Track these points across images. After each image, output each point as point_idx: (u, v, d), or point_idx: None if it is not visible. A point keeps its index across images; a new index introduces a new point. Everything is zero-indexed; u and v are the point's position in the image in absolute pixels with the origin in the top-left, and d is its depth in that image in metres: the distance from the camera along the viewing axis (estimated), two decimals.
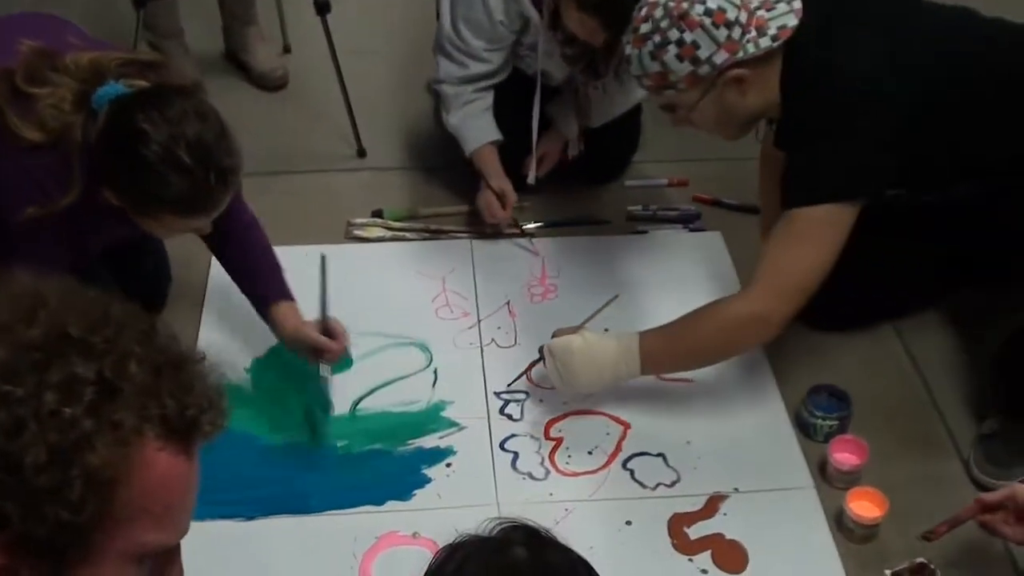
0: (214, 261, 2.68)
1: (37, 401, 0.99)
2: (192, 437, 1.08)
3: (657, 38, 2.26)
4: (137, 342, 1.06)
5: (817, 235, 2.25)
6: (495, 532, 1.22)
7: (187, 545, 2.24)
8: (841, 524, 2.29)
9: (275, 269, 2.52)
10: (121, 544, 1.05)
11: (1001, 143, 2.35)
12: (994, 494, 2.08)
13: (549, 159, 3.09)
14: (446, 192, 3.19)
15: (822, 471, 2.40)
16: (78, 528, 1.01)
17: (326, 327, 2.46)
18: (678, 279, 2.87)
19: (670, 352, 2.38)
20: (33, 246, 2.13)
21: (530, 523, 1.25)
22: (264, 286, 2.51)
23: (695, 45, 2.24)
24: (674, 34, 2.24)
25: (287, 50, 3.79)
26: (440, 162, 3.26)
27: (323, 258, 2.56)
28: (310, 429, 2.48)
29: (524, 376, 2.58)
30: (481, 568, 1.16)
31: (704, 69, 2.26)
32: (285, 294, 2.49)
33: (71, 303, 1.07)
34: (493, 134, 2.95)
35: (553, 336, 2.46)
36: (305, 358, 2.49)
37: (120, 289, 2.54)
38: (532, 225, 3.05)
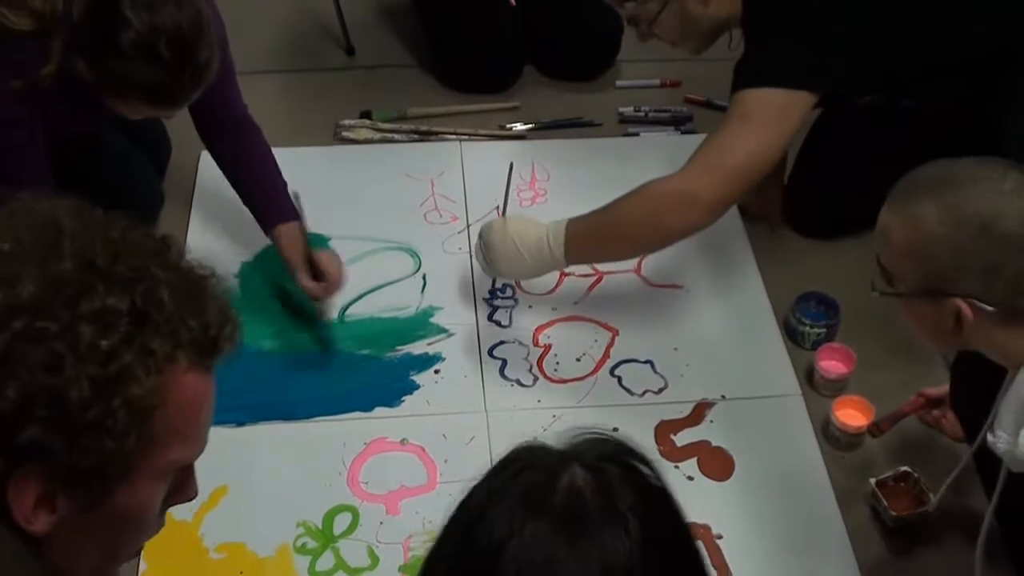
0: (203, 159, 2.66)
1: (73, 335, 1.00)
2: (215, 356, 1.11)
3: None
4: (160, 266, 1.07)
5: (760, 118, 2.18)
6: (569, 445, 1.05)
7: None
8: (827, 432, 2.31)
9: (273, 182, 2.48)
10: (156, 463, 1.09)
11: (973, 37, 2.33)
12: (937, 389, 2.12)
13: None
14: (436, 92, 3.15)
15: (809, 379, 2.41)
16: (120, 455, 1.04)
17: (321, 264, 2.42)
18: None
19: (595, 233, 2.24)
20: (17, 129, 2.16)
21: (624, 443, 1.06)
22: (263, 205, 2.47)
23: None
24: None
25: None
26: (430, 60, 3.22)
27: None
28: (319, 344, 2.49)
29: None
30: (516, 498, 1.01)
31: None
32: (285, 214, 2.45)
33: (89, 229, 1.07)
34: None
35: None
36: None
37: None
38: (521, 127, 3.03)
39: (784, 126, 2.19)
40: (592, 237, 2.25)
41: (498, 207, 2.43)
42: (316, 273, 2.42)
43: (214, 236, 2.68)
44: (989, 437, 1.55)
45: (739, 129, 2.18)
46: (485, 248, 2.33)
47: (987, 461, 1.76)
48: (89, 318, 1.00)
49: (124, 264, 1.04)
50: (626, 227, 2.23)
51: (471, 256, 2.63)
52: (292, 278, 2.43)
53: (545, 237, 2.25)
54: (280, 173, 2.49)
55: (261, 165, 2.49)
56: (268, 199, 2.47)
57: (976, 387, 1.76)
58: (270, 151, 2.51)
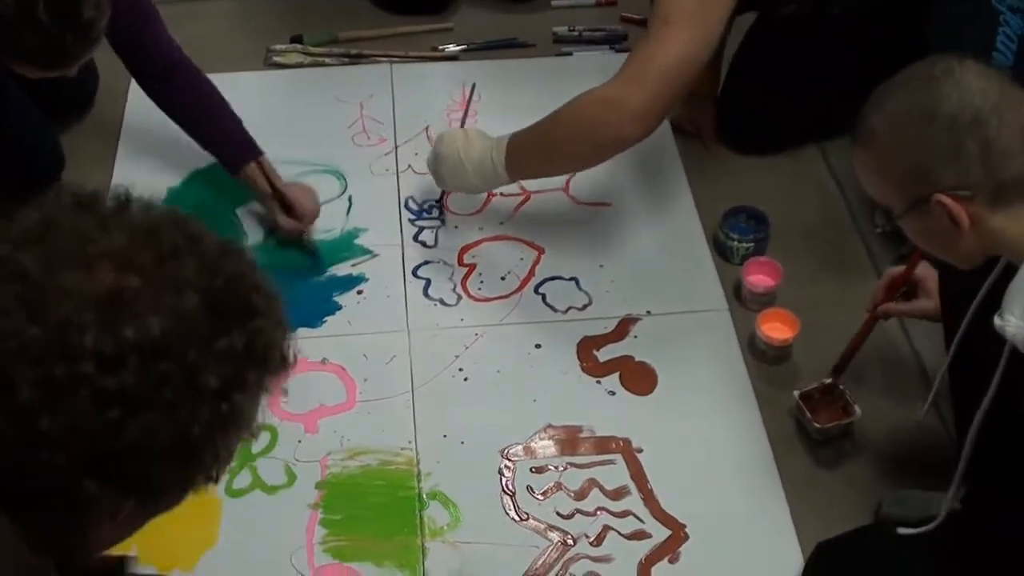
0: (132, 88, 2.62)
1: (198, 378, 0.99)
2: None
3: None
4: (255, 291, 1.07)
5: (679, 19, 2.09)
6: None
7: None
8: (753, 346, 2.29)
9: (228, 124, 2.45)
10: None
11: None
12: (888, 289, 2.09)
13: None
14: (370, 15, 3.10)
15: (737, 294, 2.39)
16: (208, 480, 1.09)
17: (289, 199, 2.42)
18: None
19: (532, 146, 2.22)
20: None
21: None
22: (223, 149, 2.46)
23: None
24: None
25: None
26: None
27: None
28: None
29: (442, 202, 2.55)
30: None
31: None
32: (247, 153, 2.43)
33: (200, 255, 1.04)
34: None
35: None
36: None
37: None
38: (454, 48, 2.98)
39: (704, 26, 2.11)
40: (530, 151, 2.23)
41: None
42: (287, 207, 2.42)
43: (142, 164, 2.63)
44: (997, 320, 1.52)
45: (661, 33, 2.11)
46: (433, 159, 2.35)
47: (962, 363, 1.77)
48: (214, 359, 1.00)
49: (234, 298, 1.03)
50: (559, 140, 2.19)
51: (398, 177, 2.60)
52: (270, 217, 2.45)
53: (490, 151, 2.25)
54: (231, 110, 2.46)
55: (211, 107, 2.45)
56: (226, 142, 2.45)
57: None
58: (215, 90, 2.47)
